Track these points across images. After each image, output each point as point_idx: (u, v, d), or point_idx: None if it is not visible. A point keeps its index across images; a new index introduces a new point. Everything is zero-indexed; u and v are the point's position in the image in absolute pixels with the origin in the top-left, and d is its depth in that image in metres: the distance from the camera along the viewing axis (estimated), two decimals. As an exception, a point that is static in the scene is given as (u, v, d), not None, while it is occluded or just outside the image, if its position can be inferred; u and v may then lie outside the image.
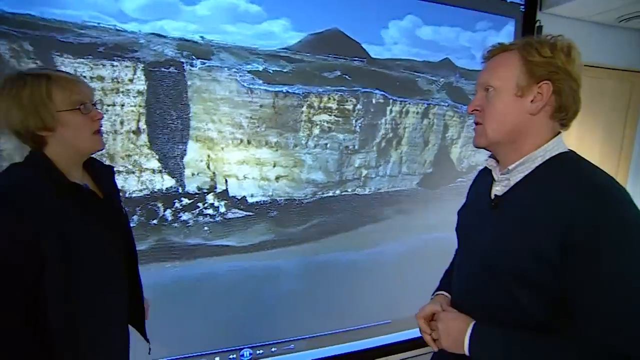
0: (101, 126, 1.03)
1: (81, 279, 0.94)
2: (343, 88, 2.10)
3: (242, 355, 2.09)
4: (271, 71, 1.88)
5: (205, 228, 1.89)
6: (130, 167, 1.72)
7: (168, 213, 1.83)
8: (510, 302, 0.76)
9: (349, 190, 2.24)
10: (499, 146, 0.84)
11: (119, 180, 1.73)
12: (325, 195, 2.17)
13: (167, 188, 1.79)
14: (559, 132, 0.82)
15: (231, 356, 2.04)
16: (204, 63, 1.73)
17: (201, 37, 1.71)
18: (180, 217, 1.86)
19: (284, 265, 2.17)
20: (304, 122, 2.03)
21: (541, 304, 0.73)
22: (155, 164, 1.74)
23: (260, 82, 1.88)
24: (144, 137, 1.69)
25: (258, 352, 2.09)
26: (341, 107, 2.13)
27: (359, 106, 2.18)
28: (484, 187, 0.91)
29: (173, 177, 1.78)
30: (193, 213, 1.86)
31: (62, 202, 0.93)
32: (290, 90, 1.95)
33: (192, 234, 1.88)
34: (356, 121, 2.19)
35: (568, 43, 0.79)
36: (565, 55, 0.78)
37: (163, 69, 1.64)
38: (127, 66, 1.59)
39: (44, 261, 0.86)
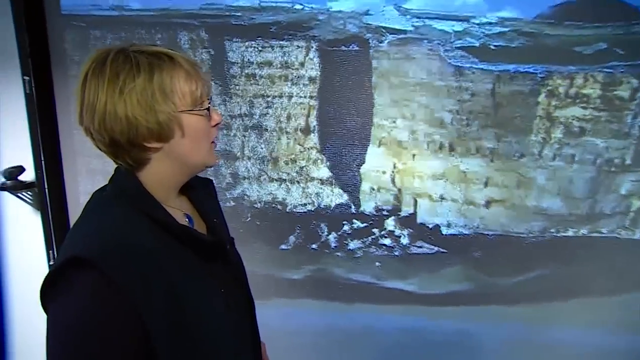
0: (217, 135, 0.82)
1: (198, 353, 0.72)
2: (614, 63, 1.31)
3: None
4: (493, 47, 1.27)
5: (377, 263, 1.52)
6: (294, 174, 1.42)
7: (333, 237, 1.51)
8: None
9: (605, 230, 1.52)
10: None
11: (280, 191, 1.48)
12: (562, 234, 1.51)
13: (336, 205, 1.42)
14: None
15: None
16: (396, 36, 1.26)
17: (396, 6, 1.25)
18: (347, 244, 1.53)
19: (484, 335, 1.57)
20: (539, 119, 1.38)
21: None
22: (325, 172, 1.39)
23: (476, 59, 1.29)
24: (313, 137, 1.36)
25: None
26: (608, 94, 1.34)
27: (642, 93, 1.35)
28: None
29: (346, 192, 1.40)
30: (364, 241, 1.51)
31: (170, 253, 0.71)
32: (521, 70, 1.30)
33: (359, 267, 1.54)
34: (634, 118, 1.36)
35: None
36: None
37: (343, 48, 1.30)
38: (299, 46, 1.28)
39: (147, 336, 0.65)
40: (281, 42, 1.33)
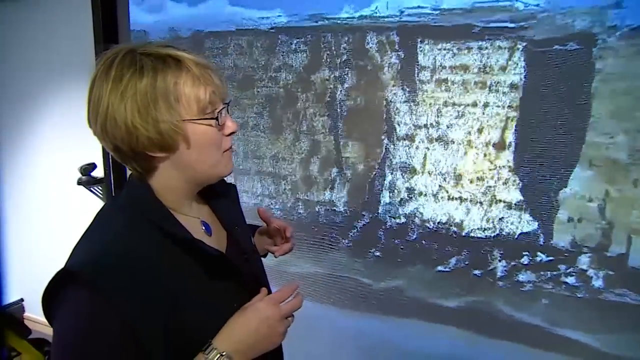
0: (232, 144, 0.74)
1: None
2: None
3: None
4: None
5: (544, 300, 1.27)
6: (478, 195, 1.22)
7: (501, 265, 1.31)
8: None
9: None
10: None
11: (458, 212, 1.32)
12: None
13: (522, 233, 1.21)
14: None
15: None
16: (631, 27, 1.00)
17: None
18: (517, 275, 1.30)
19: None
20: None
21: None
22: (515, 195, 1.20)
23: None
24: (507, 155, 1.17)
25: None
26: None
27: None
28: None
29: (537, 220, 1.17)
30: (541, 275, 1.26)
31: (176, 267, 0.66)
32: None
33: (520, 304, 1.31)
34: None
35: None
36: None
37: (557, 48, 1.06)
38: (500, 47, 1.08)
39: (145, 356, 0.60)
40: (480, 44, 1.17)
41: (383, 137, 1.34)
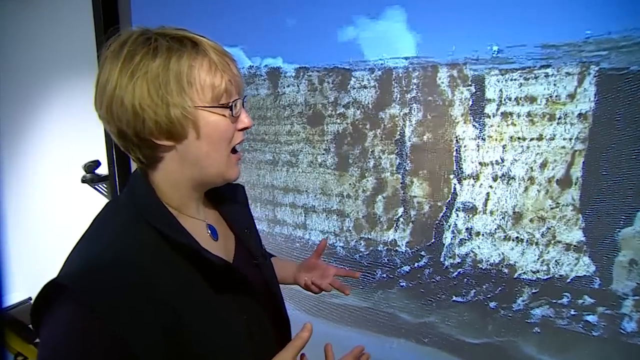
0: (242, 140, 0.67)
1: None
2: None
3: None
4: None
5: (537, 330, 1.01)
6: (537, 235, 1.11)
7: (521, 301, 1.16)
8: None
9: None
10: None
11: (513, 253, 1.18)
12: None
13: (576, 277, 1.08)
14: None
15: None
16: None
17: None
18: (531, 309, 1.16)
19: None
20: None
21: None
22: (577, 236, 1.07)
23: None
24: (573, 193, 1.05)
25: None
26: None
27: None
28: None
29: (596, 263, 1.03)
30: (560, 312, 1.10)
31: (175, 275, 0.60)
32: None
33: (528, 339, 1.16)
34: None
35: None
36: None
37: (634, 69, 0.92)
38: (568, 73, 0.96)
39: None
40: (546, 71, 1.05)
41: (452, 176, 1.23)
